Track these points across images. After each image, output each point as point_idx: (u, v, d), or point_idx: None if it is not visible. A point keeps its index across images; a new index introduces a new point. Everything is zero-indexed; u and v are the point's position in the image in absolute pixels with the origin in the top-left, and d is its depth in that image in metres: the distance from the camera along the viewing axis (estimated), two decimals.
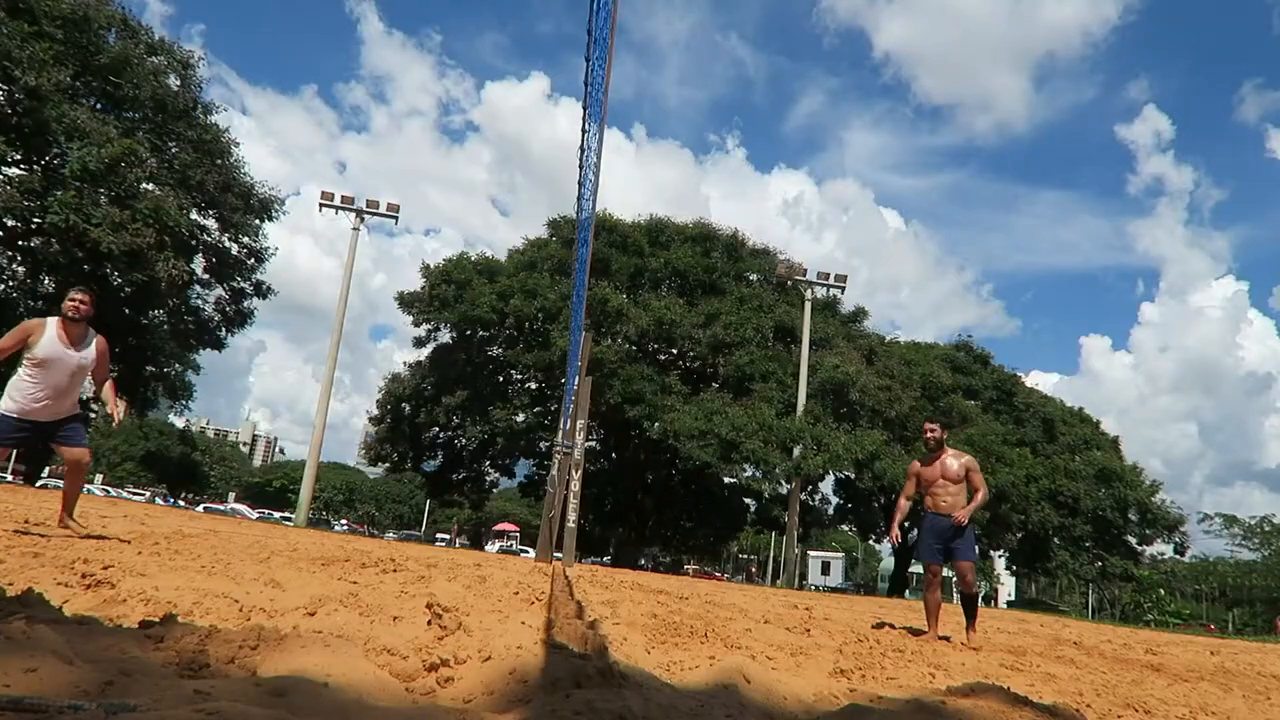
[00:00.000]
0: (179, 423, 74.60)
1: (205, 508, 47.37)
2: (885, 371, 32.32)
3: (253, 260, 27.93)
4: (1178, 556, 42.75)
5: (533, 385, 34.94)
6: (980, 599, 6.01)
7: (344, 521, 70.11)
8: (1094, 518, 34.25)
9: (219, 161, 25.53)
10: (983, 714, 1.57)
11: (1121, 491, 34.43)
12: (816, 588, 40.81)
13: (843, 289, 34.44)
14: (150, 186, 22.88)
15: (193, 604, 2.19)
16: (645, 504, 37.02)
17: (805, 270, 33.60)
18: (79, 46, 22.37)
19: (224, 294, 28.22)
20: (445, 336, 34.87)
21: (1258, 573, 47.89)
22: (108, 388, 5.53)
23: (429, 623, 2.02)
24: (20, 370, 5.15)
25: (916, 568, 54.31)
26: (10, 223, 22.56)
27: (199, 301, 27.95)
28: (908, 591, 42.34)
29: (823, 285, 33.77)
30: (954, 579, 6.06)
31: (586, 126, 5.22)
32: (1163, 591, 47.31)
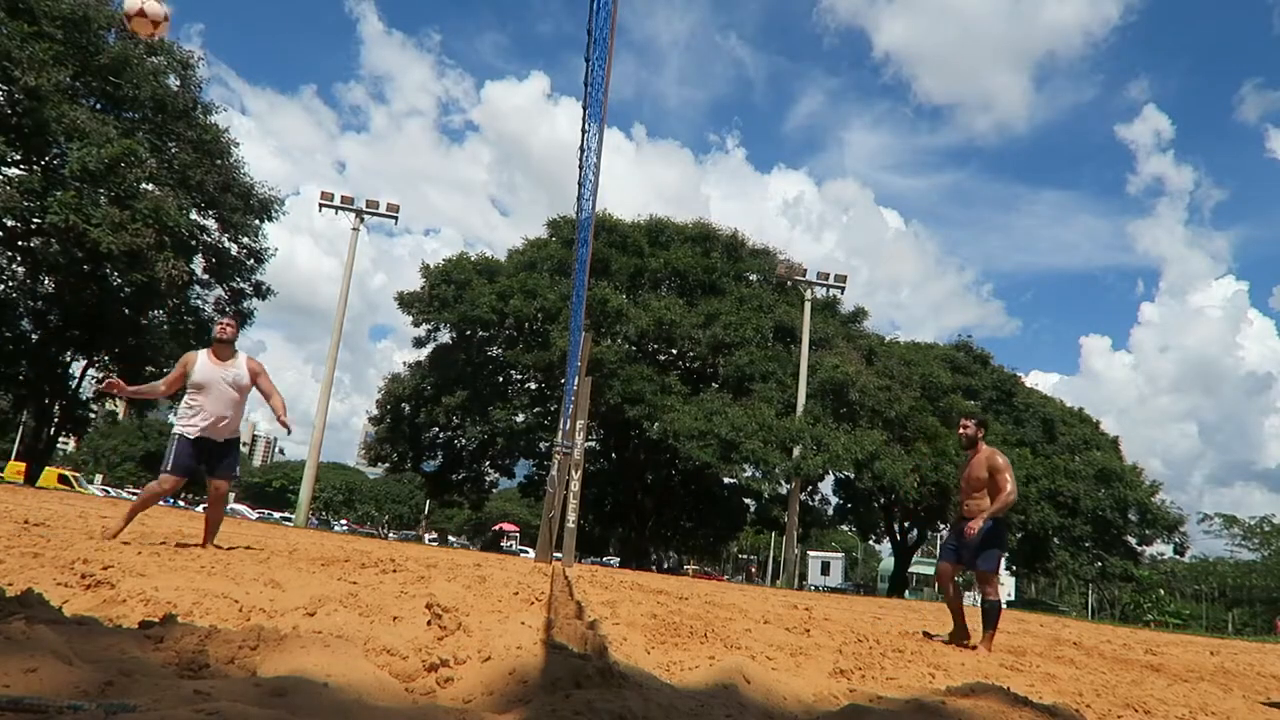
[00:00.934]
0: None
1: (205, 508, 47.27)
2: (885, 371, 32.33)
3: (252, 261, 27.93)
4: (1177, 557, 42.78)
5: (532, 385, 34.95)
6: (998, 607, 5.62)
7: (344, 522, 70.12)
8: (1094, 518, 34.26)
9: (219, 162, 25.53)
10: (982, 714, 1.57)
11: (1121, 492, 34.43)
12: (816, 588, 40.82)
13: (842, 289, 34.45)
14: (150, 187, 22.88)
15: (192, 604, 2.19)
16: (645, 504, 37.02)
17: (805, 270, 33.61)
18: (79, 47, 22.37)
19: (224, 294, 28.21)
20: (445, 337, 34.88)
21: (1257, 573, 47.89)
22: (276, 402, 5.98)
23: (429, 623, 2.02)
24: (185, 398, 5.71)
25: (916, 568, 54.35)
26: (10, 223, 22.56)
27: (199, 302, 27.96)
28: (907, 592, 42.35)
29: (822, 285, 33.77)
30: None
31: (586, 126, 5.23)
32: (1162, 592, 47.34)
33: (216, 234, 26.88)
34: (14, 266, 25.11)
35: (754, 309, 33.36)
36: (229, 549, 5.79)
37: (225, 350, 5.83)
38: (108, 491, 46.13)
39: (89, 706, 1.01)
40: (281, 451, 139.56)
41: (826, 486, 36.72)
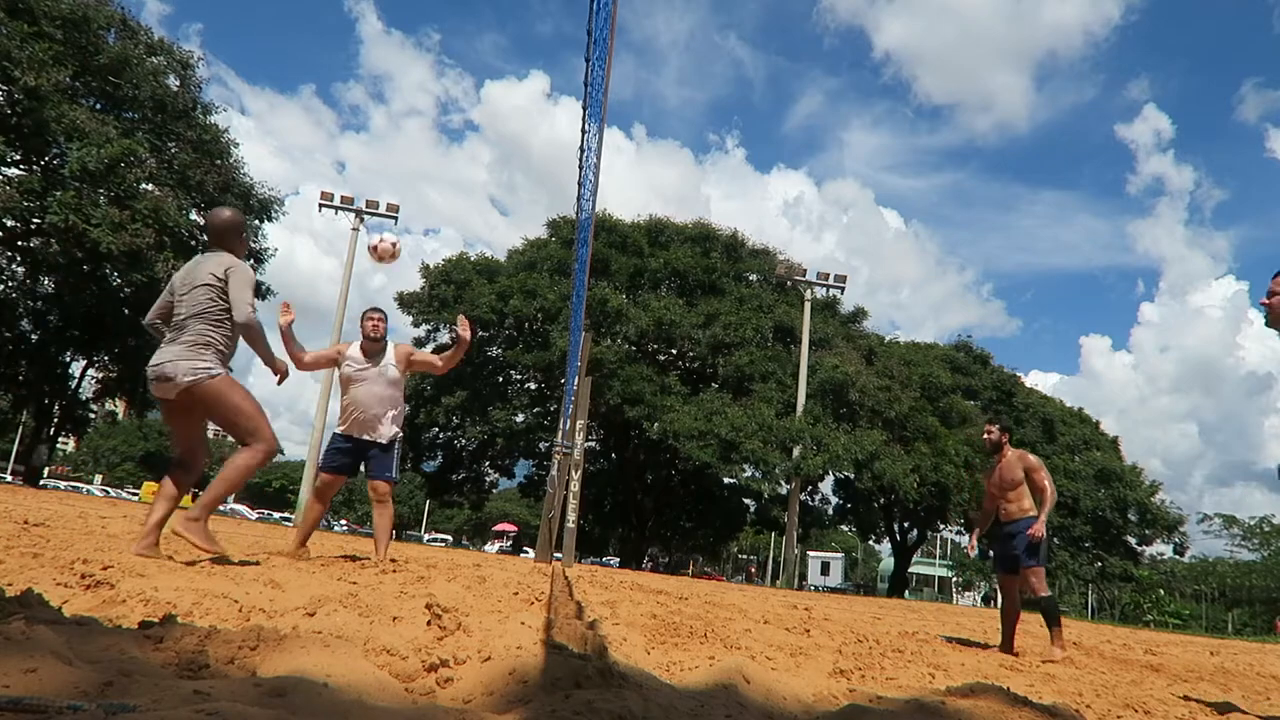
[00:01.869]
0: None
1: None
2: (885, 372, 32.34)
3: (252, 261, 27.92)
4: (1177, 557, 42.78)
5: (532, 385, 34.96)
6: (1053, 602, 5.54)
7: (344, 522, 70.10)
8: (1093, 518, 34.27)
9: (218, 162, 25.53)
10: (982, 714, 1.58)
11: (1121, 492, 34.45)
12: (816, 588, 40.82)
13: (842, 289, 34.46)
14: (150, 187, 22.88)
15: (192, 604, 2.19)
16: (645, 504, 37.03)
17: (805, 270, 33.63)
18: (78, 47, 22.37)
19: None
20: (445, 337, 34.87)
21: (1257, 573, 47.89)
22: (452, 355, 5.87)
23: (429, 623, 2.02)
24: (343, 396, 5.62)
25: (916, 568, 54.32)
26: (10, 223, 22.56)
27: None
28: (907, 592, 42.36)
29: (822, 285, 33.78)
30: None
31: (586, 126, 5.23)
32: (1162, 592, 47.32)
33: None
34: (14, 266, 25.11)
35: (754, 309, 33.37)
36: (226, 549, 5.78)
37: (376, 347, 5.64)
38: (107, 492, 46.10)
39: (89, 707, 1.01)
40: (281, 452, 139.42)
41: (826, 486, 36.76)
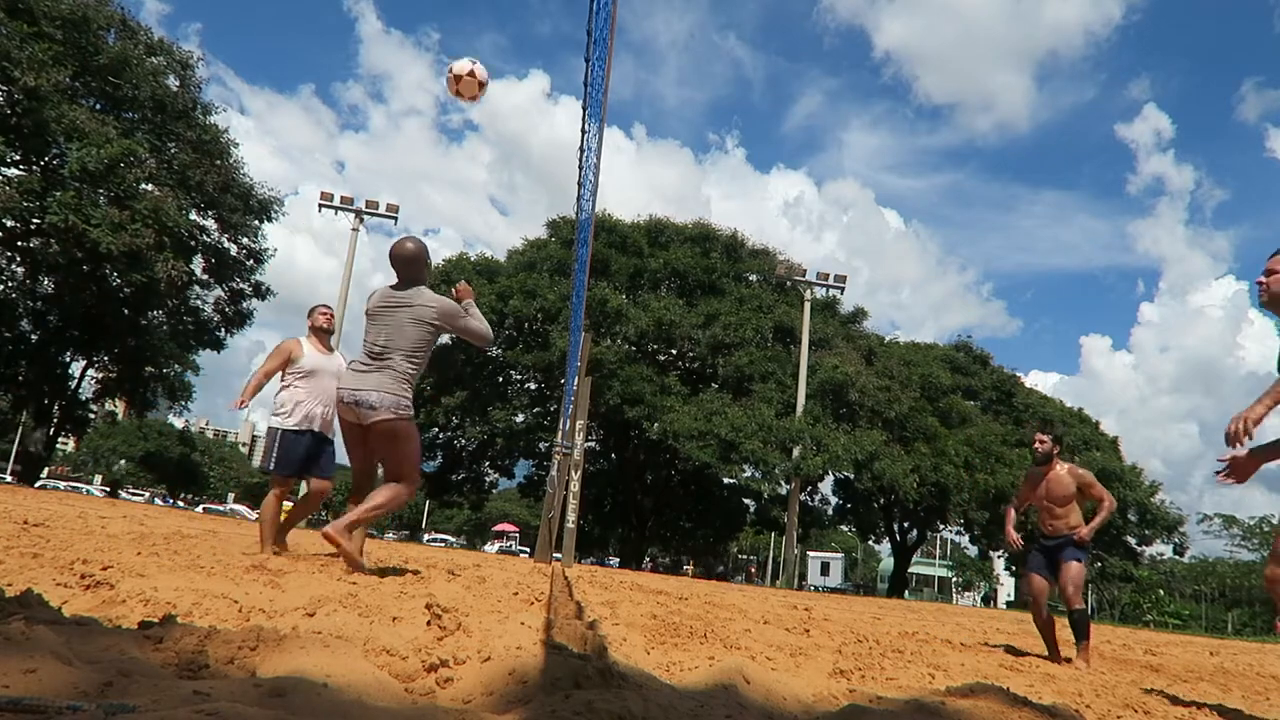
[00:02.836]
0: (178, 423, 74.60)
1: (204, 508, 47.36)
2: (885, 372, 32.33)
3: (252, 261, 27.93)
4: (1177, 557, 42.78)
5: (532, 386, 34.95)
6: (1086, 616, 5.33)
7: None
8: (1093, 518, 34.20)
9: (218, 162, 25.53)
10: (982, 714, 1.58)
11: (1120, 492, 34.41)
12: (816, 588, 40.81)
13: (842, 289, 34.46)
14: (149, 187, 22.88)
15: (192, 604, 2.19)
16: (644, 504, 37.02)
17: (805, 270, 33.64)
18: (78, 47, 22.37)
19: (223, 295, 28.22)
20: (444, 337, 34.83)
21: (1257, 573, 47.87)
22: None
23: (428, 623, 2.02)
24: (289, 388, 5.39)
25: (916, 568, 54.27)
26: (10, 223, 22.56)
27: (198, 302, 27.96)
28: (907, 592, 42.37)
29: (822, 285, 33.79)
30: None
31: (586, 126, 5.23)
32: (1162, 592, 47.32)
33: (216, 234, 26.88)
34: (14, 267, 25.11)
35: (754, 309, 33.36)
36: (227, 549, 5.78)
37: (325, 341, 5.60)
38: (107, 492, 46.09)
39: (88, 707, 1.01)
40: None
41: (826, 487, 36.76)
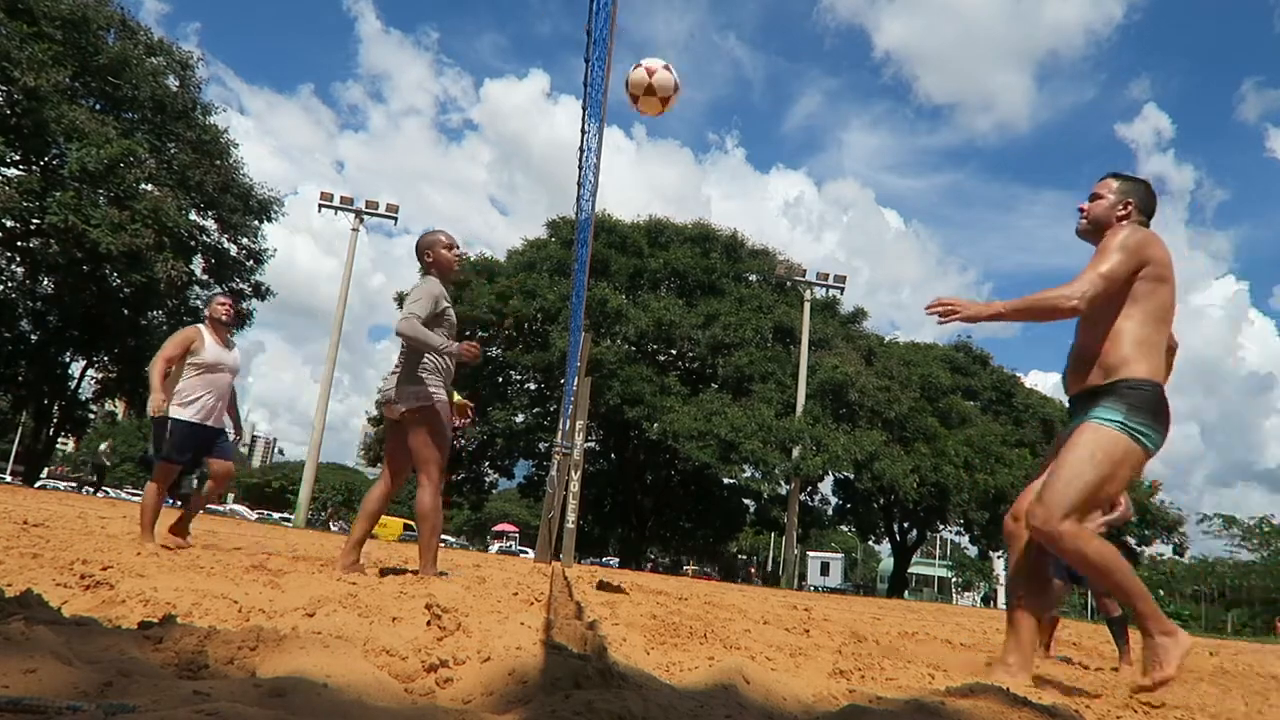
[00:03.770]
0: None
1: (204, 508, 47.26)
2: (884, 372, 32.34)
3: (252, 262, 27.93)
4: (1177, 557, 42.77)
5: (532, 386, 34.96)
6: (1124, 619, 5.30)
7: (344, 524, 70.07)
8: None
9: (218, 162, 25.53)
10: (982, 714, 1.58)
11: None
12: (816, 588, 40.80)
13: (842, 289, 34.48)
14: (149, 187, 22.88)
15: (192, 605, 2.19)
16: (644, 504, 37.02)
17: (804, 271, 33.67)
18: (78, 47, 22.36)
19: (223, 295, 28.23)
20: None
21: (1256, 573, 47.87)
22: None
23: (428, 623, 2.02)
24: (186, 379, 5.24)
25: (915, 568, 54.23)
26: (9, 223, 22.56)
27: (198, 302, 27.93)
28: (907, 592, 42.36)
29: (822, 285, 33.80)
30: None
31: (586, 127, 5.23)
32: (1161, 592, 47.31)
33: (216, 234, 26.88)
34: (13, 267, 25.11)
35: (753, 309, 33.37)
36: (230, 550, 5.78)
37: (226, 333, 5.48)
38: (106, 492, 46.09)
39: (88, 707, 1.01)
40: (281, 452, 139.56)
41: (826, 487, 36.78)
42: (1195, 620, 46.12)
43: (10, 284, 25.45)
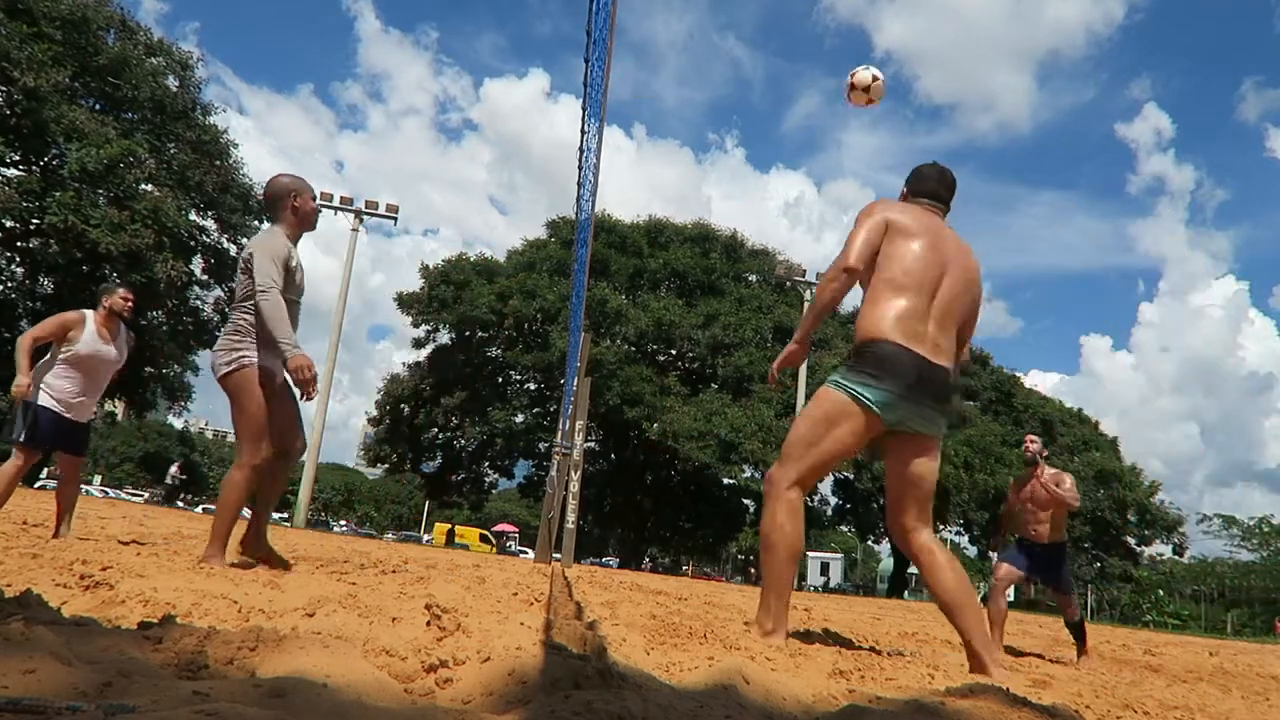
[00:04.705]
0: (178, 424, 74.63)
1: (204, 509, 47.35)
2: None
3: None
4: (1176, 557, 42.80)
5: (531, 386, 34.98)
6: (1082, 621, 5.64)
7: (343, 523, 70.05)
8: (1093, 519, 34.26)
9: (218, 162, 25.53)
10: (981, 714, 1.58)
11: (1120, 492, 34.45)
12: (815, 588, 40.82)
13: None
14: (149, 187, 22.89)
15: (191, 605, 2.19)
16: (644, 505, 37.03)
17: (804, 271, 33.68)
18: (78, 47, 22.37)
19: (223, 295, 28.21)
20: (444, 337, 34.87)
21: (1256, 573, 47.90)
22: None
23: (428, 624, 2.02)
24: (57, 367, 4.92)
25: (915, 568, 54.24)
26: (9, 224, 22.57)
27: (198, 302, 27.96)
28: (906, 592, 42.36)
29: None
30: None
31: (586, 127, 5.23)
32: (1161, 592, 47.33)
33: (215, 235, 26.89)
34: (13, 267, 25.12)
35: (753, 309, 33.40)
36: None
37: (117, 326, 5.15)
38: (106, 492, 46.11)
39: (88, 707, 1.01)
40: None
41: (826, 487, 36.78)
42: (1195, 620, 46.13)
43: (10, 284, 25.45)
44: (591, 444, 34.68)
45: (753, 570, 56.09)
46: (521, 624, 2.15)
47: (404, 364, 39.02)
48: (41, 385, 4.91)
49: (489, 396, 33.51)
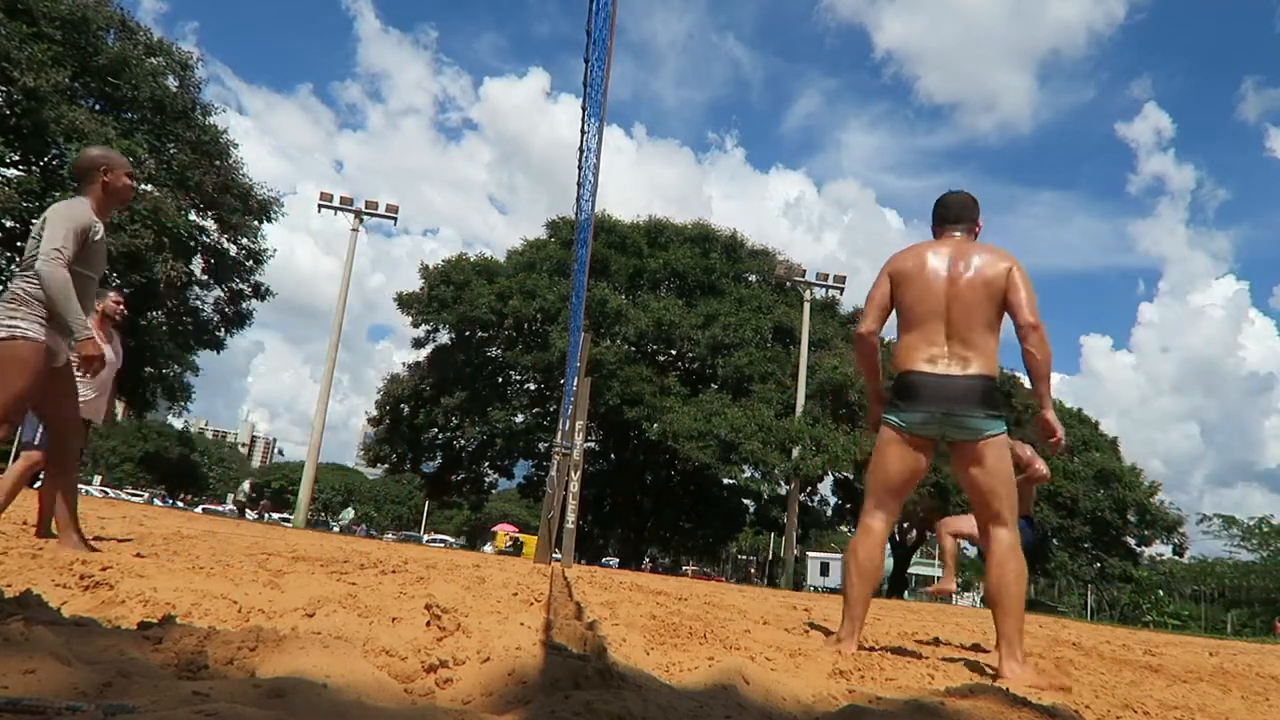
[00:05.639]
0: (178, 424, 74.62)
1: (204, 509, 47.37)
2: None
3: (251, 262, 27.91)
4: (1176, 557, 42.78)
5: (531, 386, 34.97)
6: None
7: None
8: (1093, 519, 34.27)
9: (218, 163, 25.52)
10: (981, 714, 1.58)
11: (1120, 492, 34.44)
12: (816, 589, 40.80)
13: (842, 290, 34.50)
14: (149, 188, 22.87)
15: (191, 605, 2.19)
16: (644, 505, 37.03)
17: (804, 271, 33.69)
18: (78, 47, 22.36)
19: (222, 295, 28.22)
20: (444, 337, 34.88)
21: (1256, 574, 47.88)
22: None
23: (428, 624, 2.02)
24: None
25: (915, 569, 54.10)
26: (9, 224, 22.55)
27: (198, 303, 27.94)
28: (906, 593, 42.36)
29: (822, 286, 33.81)
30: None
31: (586, 127, 5.23)
32: (1161, 592, 47.33)
33: (215, 235, 26.87)
34: (13, 267, 25.11)
35: (753, 310, 33.39)
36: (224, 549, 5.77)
37: (109, 329, 5.30)
38: (106, 492, 46.11)
39: (87, 707, 1.01)
40: (281, 452, 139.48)
41: (825, 487, 36.78)
42: (1195, 620, 46.13)
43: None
44: (591, 444, 34.68)
45: (752, 570, 56.06)
46: (521, 624, 2.15)
47: (404, 364, 39.04)
48: None
49: (489, 396, 33.51)
